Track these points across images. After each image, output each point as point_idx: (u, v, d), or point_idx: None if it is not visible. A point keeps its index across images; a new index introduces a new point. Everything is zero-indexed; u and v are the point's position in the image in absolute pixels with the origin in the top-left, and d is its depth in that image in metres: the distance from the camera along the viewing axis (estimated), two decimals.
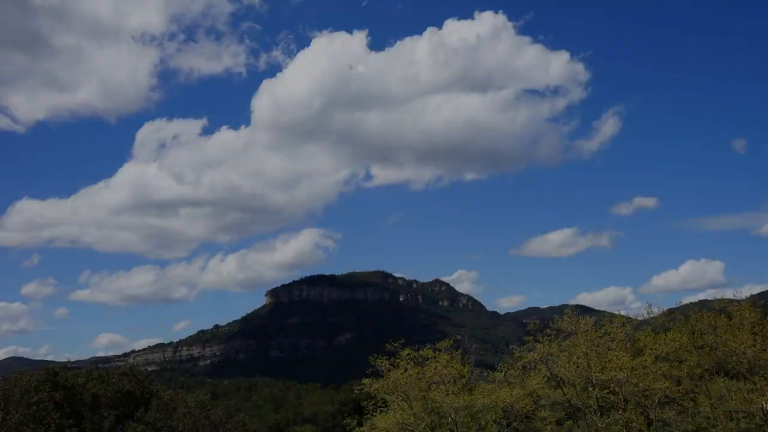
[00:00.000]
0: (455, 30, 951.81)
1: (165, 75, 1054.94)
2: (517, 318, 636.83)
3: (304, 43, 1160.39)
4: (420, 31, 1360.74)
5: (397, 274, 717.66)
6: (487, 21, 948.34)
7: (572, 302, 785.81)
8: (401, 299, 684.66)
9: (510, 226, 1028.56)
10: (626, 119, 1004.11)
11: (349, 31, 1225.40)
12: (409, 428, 41.80)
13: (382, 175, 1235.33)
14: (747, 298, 53.16)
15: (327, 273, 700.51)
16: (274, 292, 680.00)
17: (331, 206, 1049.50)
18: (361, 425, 44.65)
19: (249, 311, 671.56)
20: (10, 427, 35.28)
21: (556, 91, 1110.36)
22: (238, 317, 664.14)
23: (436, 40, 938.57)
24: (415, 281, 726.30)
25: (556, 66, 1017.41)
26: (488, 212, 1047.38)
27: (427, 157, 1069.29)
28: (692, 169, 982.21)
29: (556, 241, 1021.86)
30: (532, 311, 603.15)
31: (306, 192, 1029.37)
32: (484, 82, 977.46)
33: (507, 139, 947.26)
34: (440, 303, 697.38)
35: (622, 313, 49.37)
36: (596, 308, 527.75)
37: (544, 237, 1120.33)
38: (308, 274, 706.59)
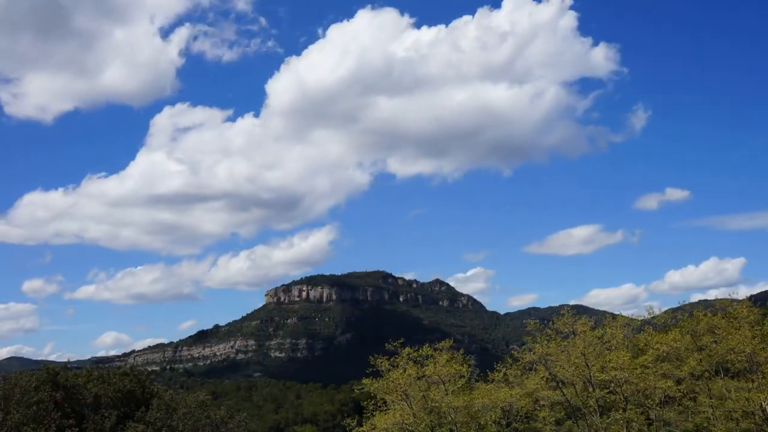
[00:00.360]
0: (511, 11, 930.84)
1: (190, 60, 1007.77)
2: (517, 318, 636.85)
3: (347, 15, 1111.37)
4: (474, 10, 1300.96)
5: (397, 274, 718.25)
6: (553, 3, 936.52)
7: (583, 300, 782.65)
8: (401, 299, 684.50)
9: (534, 221, 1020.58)
10: (661, 112, 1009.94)
11: (401, 9, 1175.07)
12: (409, 428, 41.82)
13: (402, 167, 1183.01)
14: (746, 298, 53.16)
15: (327, 273, 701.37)
16: (274, 292, 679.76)
17: (347, 203, 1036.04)
18: (361, 425, 44.65)
19: (249, 311, 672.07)
20: (10, 427, 35.33)
21: (592, 83, 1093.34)
22: (240, 317, 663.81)
23: (485, 24, 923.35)
24: (415, 281, 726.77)
25: (597, 58, 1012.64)
26: (511, 205, 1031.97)
27: (449, 149, 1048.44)
28: (727, 163, 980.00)
29: (578, 237, 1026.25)
30: (533, 311, 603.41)
31: (324, 186, 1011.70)
32: (523, 72, 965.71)
33: (535, 132, 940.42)
34: (440, 303, 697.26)
35: (627, 313, 49.47)
36: (596, 308, 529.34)
37: (567, 232, 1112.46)
38: (319, 273, 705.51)
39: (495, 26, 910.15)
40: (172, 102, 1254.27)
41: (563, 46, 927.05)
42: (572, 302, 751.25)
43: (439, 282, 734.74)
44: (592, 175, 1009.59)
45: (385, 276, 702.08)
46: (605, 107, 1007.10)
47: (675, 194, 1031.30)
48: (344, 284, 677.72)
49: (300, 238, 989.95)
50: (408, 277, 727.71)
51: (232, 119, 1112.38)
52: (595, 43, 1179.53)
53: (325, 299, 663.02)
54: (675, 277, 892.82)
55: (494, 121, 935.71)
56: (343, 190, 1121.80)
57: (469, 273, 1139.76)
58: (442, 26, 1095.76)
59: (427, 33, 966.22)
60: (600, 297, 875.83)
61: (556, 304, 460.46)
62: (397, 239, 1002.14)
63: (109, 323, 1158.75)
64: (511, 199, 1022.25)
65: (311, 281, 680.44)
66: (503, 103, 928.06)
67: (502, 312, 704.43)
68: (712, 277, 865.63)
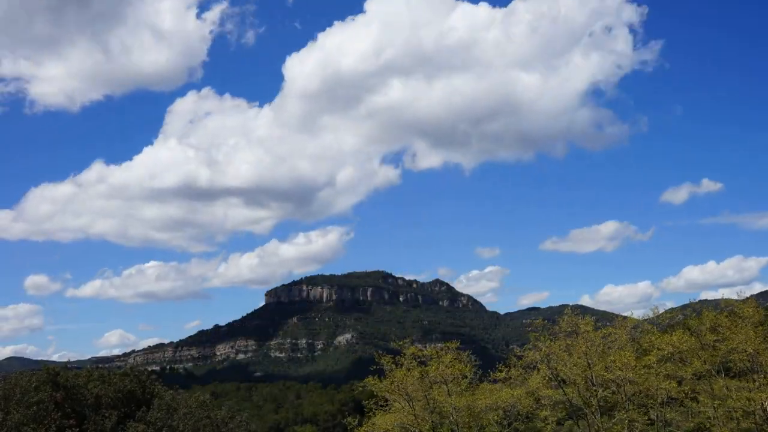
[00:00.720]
0: None
1: (218, 42, 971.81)
2: (517, 318, 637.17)
3: None
4: None
5: (397, 274, 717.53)
6: None
7: (595, 298, 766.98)
8: (401, 299, 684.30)
9: (555, 216, 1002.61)
10: (695, 109, 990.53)
11: None
12: (410, 428, 41.74)
13: (424, 159, 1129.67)
14: (750, 297, 53.00)
15: (327, 273, 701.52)
16: (274, 292, 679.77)
17: (366, 199, 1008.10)
18: (362, 425, 44.56)
19: (249, 311, 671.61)
20: (11, 427, 35.24)
21: (632, 75, 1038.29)
22: (241, 316, 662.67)
23: (540, 9, 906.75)
24: (415, 281, 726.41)
25: (645, 52, 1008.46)
26: (537, 198, 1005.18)
27: (470, 139, 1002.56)
28: (759, 162, 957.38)
29: (600, 233, 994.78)
30: (533, 311, 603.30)
31: (345, 181, 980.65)
32: (561, 61, 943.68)
33: (564, 123, 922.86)
34: (440, 303, 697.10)
35: (637, 312, 49.31)
36: (596, 308, 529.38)
37: (591, 228, 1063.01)
38: (319, 273, 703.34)
39: (548, 11, 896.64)
40: (198, 87, 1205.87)
41: (614, 39, 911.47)
42: (582, 300, 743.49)
43: (439, 282, 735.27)
44: (619, 169, 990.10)
45: (385, 276, 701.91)
46: (641, 101, 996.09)
47: (709, 186, 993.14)
48: (344, 284, 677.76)
49: (318, 235, 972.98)
50: (408, 277, 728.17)
51: (259, 106, 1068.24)
52: (652, 38, 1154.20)
53: (325, 299, 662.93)
54: (693, 273, 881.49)
55: (524, 110, 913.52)
56: (363, 185, 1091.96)
57: (486, 270, 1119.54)
58: (499, 8, 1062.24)
59: (483, 12, 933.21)
60: (612, 295, 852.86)
61: (557, 304, 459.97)
62: (410, 237, 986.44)
63: (115, 321, 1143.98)
64: (532, 193, 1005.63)
65: (311, 281, 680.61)
66: (533, 92, 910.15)
67: (502, 312, 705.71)
68: (731, 275, 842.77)
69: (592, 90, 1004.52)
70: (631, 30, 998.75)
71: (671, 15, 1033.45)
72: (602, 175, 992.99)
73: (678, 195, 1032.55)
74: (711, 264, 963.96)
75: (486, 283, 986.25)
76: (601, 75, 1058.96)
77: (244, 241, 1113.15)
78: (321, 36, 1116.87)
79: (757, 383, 39.50)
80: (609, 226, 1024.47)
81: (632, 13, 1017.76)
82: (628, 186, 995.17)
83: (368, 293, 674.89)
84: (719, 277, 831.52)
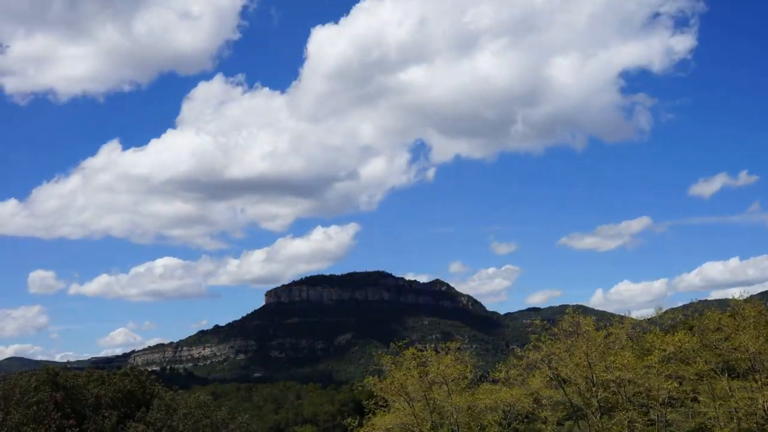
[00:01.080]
0: None
1: (250, 25, 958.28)
2: (518, 318, 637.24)
3: None
4: None
5: (397, 274, 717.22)
6: None
7: (607, 296, 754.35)
8: (401, 299, 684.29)
9: (577, 211, 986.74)
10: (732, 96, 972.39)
11: None
12: (411, 428, 41.70)
13: (446, 150, 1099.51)
14: (750, 296, 52.89)
15: (328, 273, 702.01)
16: (274, 292, 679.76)
17: (384, 195, 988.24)
18: (362, 425, 44.52)
19: (249, 311, 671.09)
20: (11, 427, 35.24)
21: (671, 66, 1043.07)
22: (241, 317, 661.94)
23: None
24: (415, 281, 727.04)
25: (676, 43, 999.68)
26: (557, 193, 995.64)
27: (489, 130, 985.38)
28: None
29: (623, 229, 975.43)
30: (533, 312, 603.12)
31: (367, 176, 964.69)
32: (602, 46, 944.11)
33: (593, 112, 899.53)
34: (440, 303, 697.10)
35: (643, 311, 49.31)
36: (597, 308, 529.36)
37: (615, 224, 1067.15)
38: (319, 273, 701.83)
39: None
40: (211, 76, 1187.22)
41: (668, 27, 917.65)
42: (594, 298, 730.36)
43: (439, 282, 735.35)
44: (647, 161, 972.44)
45: (385, 276, 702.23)
46: (687, 90, 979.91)
47: (745, 179, 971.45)
48: (344, 284, 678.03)
49: (337, 231, 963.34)
50: (408, 277, 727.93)
51: (282, 91, 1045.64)
52: (709, 29, 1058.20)
53: (325, 299, 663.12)
54: (712, 271, 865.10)
55: (557, 96, 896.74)
56: (385, 179, 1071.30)
57: (504, 268, 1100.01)
58: None
59: None
60: (625, 294, 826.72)
61: (557, 304, 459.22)
62: (422, 234, 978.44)
63: (121, 320, 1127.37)
64: (553, 187, 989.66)
65: (311, 281, 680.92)
66: (568, 78, 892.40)
67: (502, 312, 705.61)
68: (751, 273, 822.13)
69: (631, 78, 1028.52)
70: (683, 20, 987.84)
71: (730, 8, 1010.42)
72: (632, 168, 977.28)
73: (710, 187, 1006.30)
74: (733, 261, 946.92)
75: (501, 281, 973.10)
76: (644, 62, 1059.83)
77: (264, 237, 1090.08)
78: (350, 12, 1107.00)
79: (759, 383, 39.48)
80: (641, 222, 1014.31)
81: (690, 3, 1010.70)
82: (661, 179, 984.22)
83: (368, 293, 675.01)
84: (739, 275, 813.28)
